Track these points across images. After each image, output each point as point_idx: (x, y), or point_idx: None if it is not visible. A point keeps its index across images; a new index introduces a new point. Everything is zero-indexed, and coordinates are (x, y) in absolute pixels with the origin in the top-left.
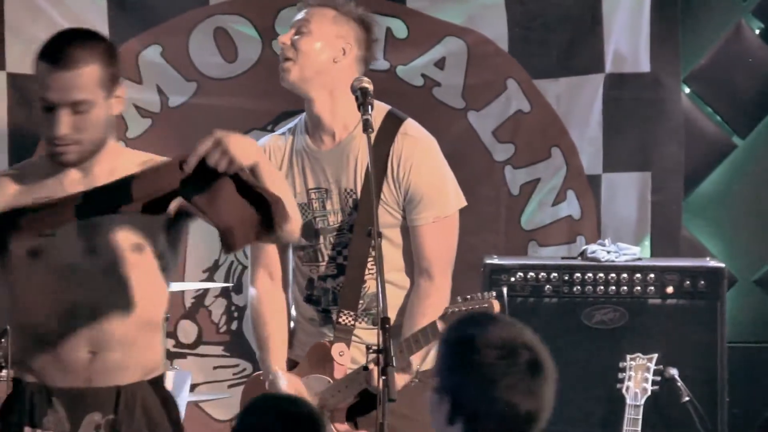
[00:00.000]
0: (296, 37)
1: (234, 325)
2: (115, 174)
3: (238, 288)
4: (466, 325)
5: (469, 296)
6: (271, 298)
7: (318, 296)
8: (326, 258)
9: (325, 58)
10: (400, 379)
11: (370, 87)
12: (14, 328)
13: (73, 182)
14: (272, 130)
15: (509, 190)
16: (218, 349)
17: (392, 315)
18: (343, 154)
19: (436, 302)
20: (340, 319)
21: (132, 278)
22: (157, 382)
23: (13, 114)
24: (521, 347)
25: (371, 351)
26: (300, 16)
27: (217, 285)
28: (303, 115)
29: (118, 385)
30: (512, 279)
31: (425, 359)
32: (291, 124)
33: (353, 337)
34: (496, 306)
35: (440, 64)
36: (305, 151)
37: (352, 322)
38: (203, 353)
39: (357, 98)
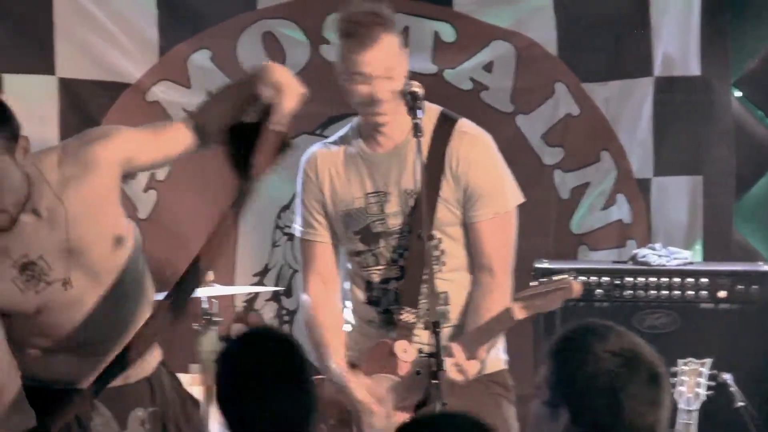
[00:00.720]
0: (388, 83)
1: (285, 329)
2: (57, 202)
3: (289, 292)
4: (580, 334)
5: (545, 278)
6: (326, 303)
7: (378, 297)
8: (387, 261)
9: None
10: (472, 367)
11: (420, 91)
12: (36, 338)
13: (29, 225)
14: (322, 134)
15: (559, 193)
16: None
17: (455, 314)
18: (401, 156)
19: (499, 298)
20: (402, 317)
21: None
22: (165, 363)
23: (65, 119)
24: (641, 356)
25: (422, 355)
26: (382, 56)
27: (268, 289)
28: (354, 121)
29: (147, 376)
30: None
31: (486, 360)
32: (341, 132)
33: (414, 336)
34: (576, 287)
35: (488, 67)
36: (361, 156)
37: (414, 320)
38: None
39: (407, 102)
